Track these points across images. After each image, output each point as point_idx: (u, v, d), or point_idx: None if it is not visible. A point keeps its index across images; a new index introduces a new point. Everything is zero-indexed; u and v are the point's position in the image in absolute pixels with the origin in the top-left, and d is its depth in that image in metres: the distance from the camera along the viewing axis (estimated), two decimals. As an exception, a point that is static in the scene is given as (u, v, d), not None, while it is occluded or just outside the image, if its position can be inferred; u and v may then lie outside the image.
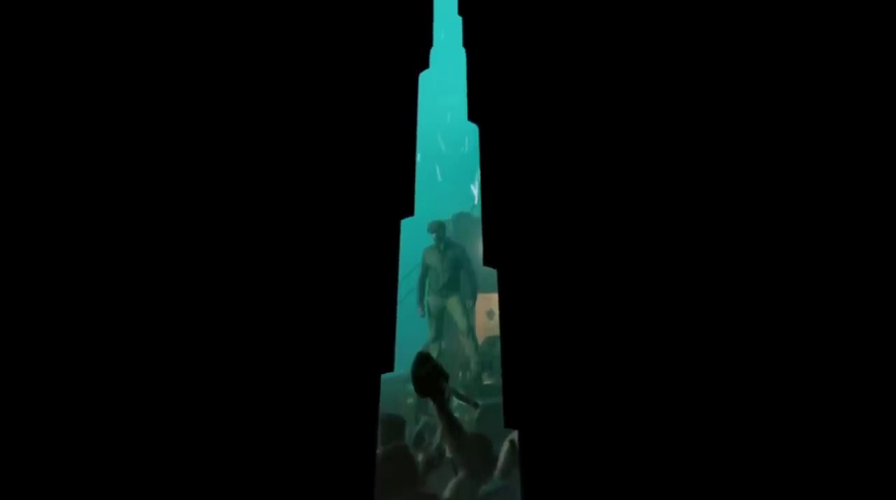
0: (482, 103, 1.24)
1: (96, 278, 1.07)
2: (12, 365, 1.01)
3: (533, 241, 1.13)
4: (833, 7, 1.16)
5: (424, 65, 1.29)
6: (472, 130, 1.25)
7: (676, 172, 1.13)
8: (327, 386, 1.06)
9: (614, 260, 1.10)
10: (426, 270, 6.63)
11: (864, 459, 0.97)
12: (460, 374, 6.58)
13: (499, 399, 1.12)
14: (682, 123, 1.15)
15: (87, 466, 0.99)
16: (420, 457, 3.00)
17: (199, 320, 1.07)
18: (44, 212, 1.09)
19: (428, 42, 1.31)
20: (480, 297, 7.15)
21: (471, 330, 6.63)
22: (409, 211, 1.19)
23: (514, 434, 2.57)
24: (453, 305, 6.51)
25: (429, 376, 2.20)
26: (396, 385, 6.01)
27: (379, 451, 2.66)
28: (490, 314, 7.89)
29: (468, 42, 1.30)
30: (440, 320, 6.59)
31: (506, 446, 2.74)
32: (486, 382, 6.36)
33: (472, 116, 1.24)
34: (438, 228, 6.46)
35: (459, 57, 1.46)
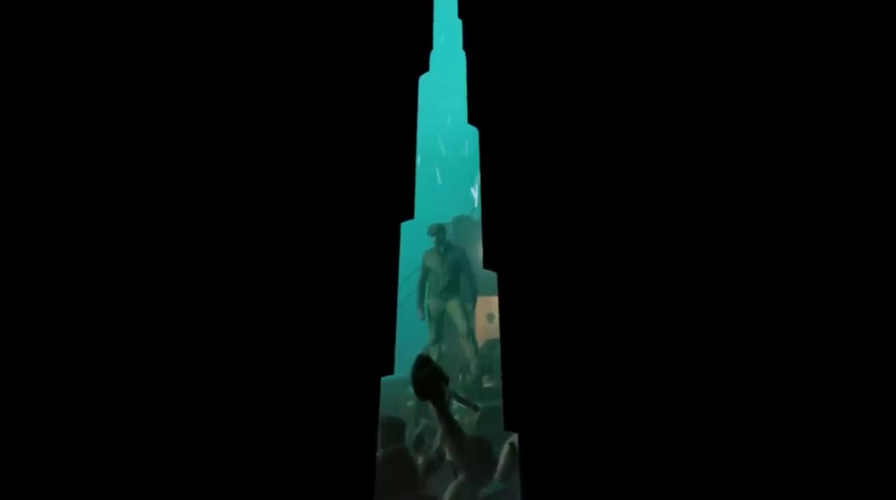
0: (482, 106, 1.24)
1: (98, 278, 1.07)
2: (12, 365, 1.01)
3: (533, 244, 1.13)
4: (833, 7, 1.16)
5: (424, 68, 1.29)
6: (472, 132, 1.25)
7: (676, 174, 1.13)
8: (328, 389, 1.06)
9: (614, 263, 1.10)
10: (426, 273, 6.64)
11: (864, 459, 0.97)
12: (460, 377, 6.58)
13: (499, 402, 1.12)
14: (683, 123, 1.15)
15: (88, 467, 0.99)
16: (420, 460, 3.00)
17: (200, 321, 1.07)
18: (44, 212, 1.09)
19: (428, 45, 1.31)
20: (480, 300, 7.16)
21: (471, 333, 6.64)
22: (409, 214, 1.19)
23: (514, 437, 2.57)
24: (453, 308, 6.52)
25: (429, 378, 2.20)
26: (396, 388, 6.01)
27: (379, 454, 2.66)
28: (490, 317, 7.89)
29: (468, 45, 1.30)
30: (440, 322, 6.60)
31: (506, 448, 2.74)
32: (486, 385, 6.37)
33: (472, 119, 1.24)
34: (438, 231, 6.47)
35: (459, 60, 1.47)
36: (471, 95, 1.26)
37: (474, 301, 6.97)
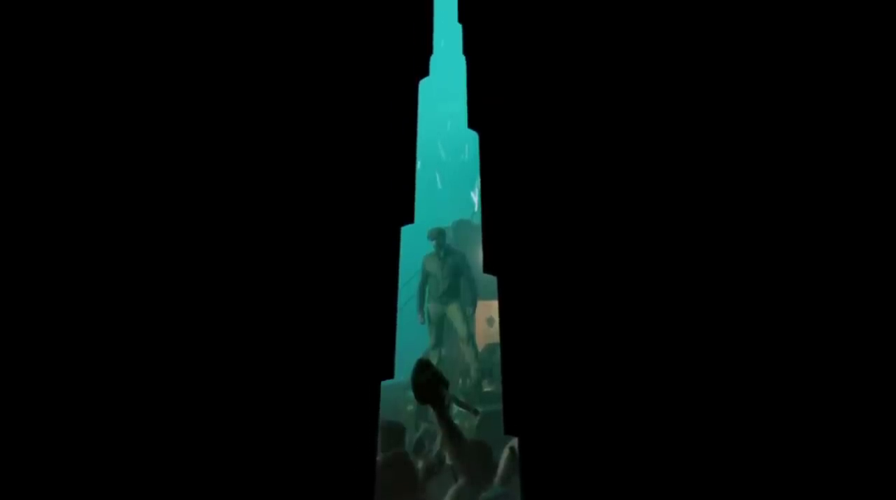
0: (482, 111, 1.25)
1: (97, 283, 1.07)
2: (12, 365, 1.01)
3: (533, 248, 1.13)
4: (833, 7, 1.16)
5: (424, 72, 1.29)
6: (472, 137, 1.26)
7: (677, 178, 1.13)
8: (328, 393, 1.06)
9: (615, 267, 1.10)
10: (426, 277, 6.64)
11: (864, 459, 0.97)
12: (460, 381, 6.57)
13: (499, 406, 1.12)
14: (683, 128, 1.15)
15: (88, 468, 0.99)
16: (420, 464, 2.99)
17: (200, 326, 1.07)
18: (44, 212, 1.09)
19: (428, 50, 1.31)
20: (480, 304, 7.16)
21: (471, 337, 6.63)
22: (410, 218, 1.19)
23: (514, 441, 2.57)
24: (453, 312, 6.52)
25: (429, 383, 2.20)
26: (396, 392, 6.01)
27: (379, 458, 2.65)
28: (490, 321, 7.89)
29: (468, 50, 1.30)
30: (440, 327, 6.59)
31: (506, 453, 2.74)
32: (486, 389, 6.36)
33: (472, 123, 1.24)
34: (438, 235, 6.48)
35: (459, 64, 1.47)
36: (471, 99, 1.26)
37: (474, 305, 6.97)
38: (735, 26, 1.19)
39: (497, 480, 2.68)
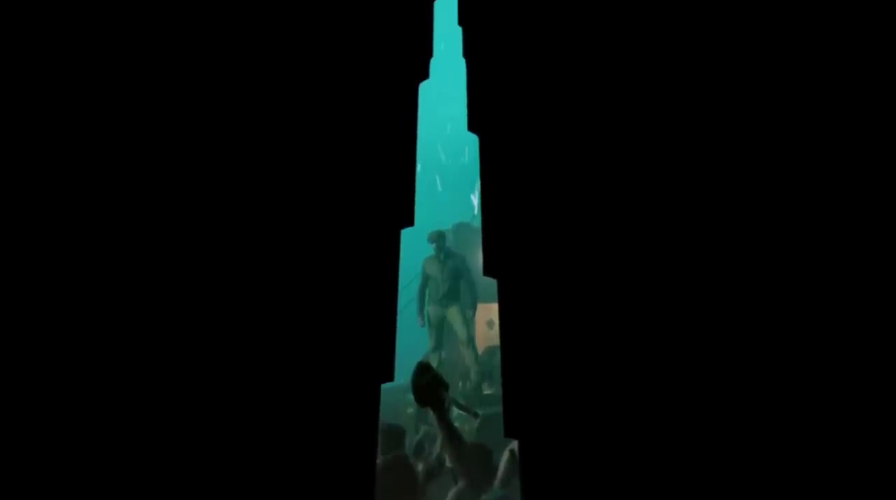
0: (482, 114, 1.25)
1: (98, 284, 1.07)
2: (12, 365, 1.01)
3: (533, 251, 1.13)
4: (833, 7, 1.16)
5: (424, 75, 1.30)
6: (472, 140, 1.26)
7: (677, 181, 1.13)
8: (328, 395, 1.06)
9: (615, 270, 1.10)
10: (426, 279, 6.64)
11: (864, 459, 0.97)
12: (460, 384, 6.57)
13: (499, 409, 1.12)
14: (682, 131, 1.15)
15: (88, 469, 0.99)
16: (420, 467, 3.00)
17: (200, 328, 1.07)
18: (45, 212, 1.09)
19: (428, 52, 1.32)
20: (480, 307, 7.16)
21: (471, 340, 6.63)
22: (410, 221, 1.19)
23: (514, 444, 2.57)
24: (453, 315, 6.52)
25: (429, 385, 2.20)
26: (396, 395, 6.01)
27: (379, 461, 2.65)
28: (490, 324, 7.89)
29: (468, 52, 1.31)
30: (440, 329, 6.59)
31: (506, 455, 2.73)
32: (486, 391, 6.36)
33: (472, 126, 1.25)
34: (438, 237, 6.48)
35: (459, 67, 1.47)
36: (471, 102, 1.26)
37: (474, 308, 6.97)
38: (735, 27, 1.19)
39: (497, 483, 2.68)
